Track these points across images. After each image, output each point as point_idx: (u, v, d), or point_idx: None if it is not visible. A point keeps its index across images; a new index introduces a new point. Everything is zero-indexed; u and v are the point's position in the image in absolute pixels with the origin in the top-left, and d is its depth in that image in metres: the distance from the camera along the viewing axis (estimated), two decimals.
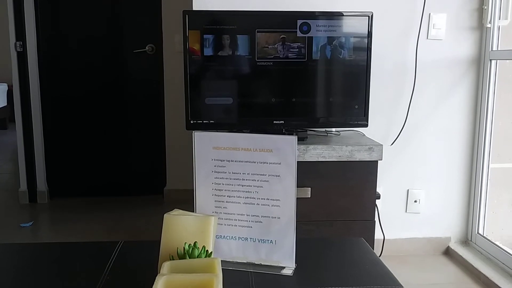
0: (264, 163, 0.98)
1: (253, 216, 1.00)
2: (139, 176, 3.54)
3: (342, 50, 1.99)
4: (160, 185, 3.46)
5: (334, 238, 1.64)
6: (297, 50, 1.96)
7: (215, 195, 1.01)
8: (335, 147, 1.90)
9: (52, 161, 3.45)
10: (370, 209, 1.98)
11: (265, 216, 0.99)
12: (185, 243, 0.85)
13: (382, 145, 1.94)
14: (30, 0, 3.23)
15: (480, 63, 2.41)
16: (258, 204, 0.99)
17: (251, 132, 1.92)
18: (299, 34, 1.95)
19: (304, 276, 0.97)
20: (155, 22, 3.33)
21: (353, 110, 2.03)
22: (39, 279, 0.97)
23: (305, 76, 2.01)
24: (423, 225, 2.50)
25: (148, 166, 3.53)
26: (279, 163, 0.97)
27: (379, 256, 1.10)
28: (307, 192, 1.92)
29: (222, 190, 1.00)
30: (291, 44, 1.96)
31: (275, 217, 0.99)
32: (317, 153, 1.90)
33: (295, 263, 1.00)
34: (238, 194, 1.00)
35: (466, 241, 2.53)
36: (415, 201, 2.48)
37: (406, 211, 2.49)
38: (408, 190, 2.47)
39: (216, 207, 1.01)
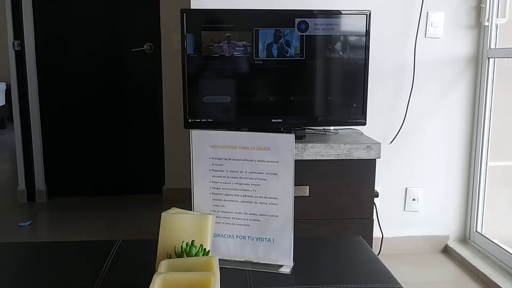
0: (261, 161, 0.98)
1: (251, 214, 1.00)
2: (137, 175, 3.54)
3: (340, 49, 1.99)
4: (159, 184, 3.46)
5: (332, 237, 1.64)
6: (296, 48, 1.96)
7: (212, 193, 1.01)
8: (333, 146, 1.90)
9: (51, 160, 3.45)
10: (368, 207, 1.98)
11: (262, 215, 0.99)
12: (183, 241, 0.85)
13: (380, 143, 1.94)
14: None
15: (478, 61, 2.41)
16: (255, 202, 0.99)
17: (249, 130, 1.92)
18: (297, 32, 1.95)
19: (302, 274, 0.97)
20: (153, 21, 3.32)
21: (351, 109, 2.03)
22: (37, 278, 0.97)
23: (303, 75, 2.01)
24: (421, 223, 2.51)
25: (146, 165, 3.53)
26: (277, 162, 0.97)
27: (378, 255, 1.10)
28: (305, 191, 1.92)
29: (219, 188, 1.00)
30: (291, 42, 1.96)
31: (273, 216, 0.99)
32: (315, 151, 1.90)
33: (293, 261, 1.00)
34: (236, 192, 1.00)
35: (464, 239, 2.54)
36: (414, 200, 2.48)
37: (404, 210, 2.50)
38: (406, 189, 2.48)
39: (214, 205, 1.01)
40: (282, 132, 1.98)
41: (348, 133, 2.15)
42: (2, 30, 3.42)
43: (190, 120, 1.98)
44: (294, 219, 0.99)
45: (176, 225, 0.89)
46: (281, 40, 1.96)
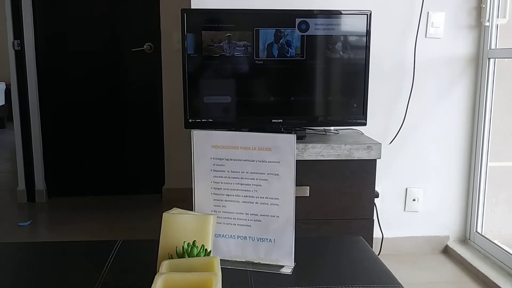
0: (263, 161, 0.97)
1: (252, 215, 1.00)
2: (137, 175, 3.53)
3: (340, 49, 1.99)
4: (159, 184, 3.46)
5: (332, 237, 1.64)
6: (296, 49, 1.96)
7: (214, 194, 1.01)
8: (334, 146, 1.90)
9: (50, 160, 3.44)
10: (368, 207, 1.98)
11: (264, 215, 0.99)
12: (184, 242, 0.85)
13: (380, 143, 1.94)
14: None
15: (478, 61, 2.41)
16: (257, 203, 0.99)
17: (249, 130, 1.92)
18: (297, 32, 1.95)
19: (303, 274, 0.97)
20: (153, 20, 3.32)
21: (351, 109, 2.03)
22: (37, 278, 0.97)
23: (304, 75, 2.01)
24: (421, 223, 2.51)
25: (146, 165, 3.52)
26: (278, 162, 0.97)
27: (378, 255, 1.10)
28: (306, 191, 1.92)
29: (221, 189, 1.00)
30: (291, 42, 1.96)
31: (274, 216, 0.99)
32: (315, 151, 1.90)
33: (294, 261, 1.00)
34: (237, 193, 0.99)
35: (464, 240, 2.54)
36: (414, 200, 2.48)
37: (404, 210, 2.50)
38: (406, 189, 2.48)
39: (215, 206, 1.01)
40: (282, 132, 1.98)
41: (349, 133, 2.15)
42: (2, 30, 3.42)
43: (190, 120, 1.98)
44: (295, 220, 0.99)
45: (177, 226, 0.89)
46: (282, 40, 1.96)
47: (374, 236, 2.04)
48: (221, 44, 1.95)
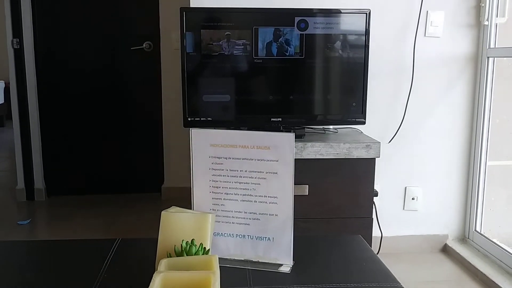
0: (261, 160, 0.97)
1: (250, 213, 1.00)
2: (137, 173, 3.53)
3: (339, 48, 1.99)
4: (158, 182, 3.46)
5: (331, 235, 1.64)
6: (295, 47, 1.96)
7: (212, 192, 1.01)
8: (333, 145, 1.90)
9: (50, 159, 3.44)
10: (367, 206, 1.98)
11: (262, 214, 0.99)
12: (183, 240, 0.85)
13: (379, 142, 1.94)
14: None
15: (477, 60, 2.41)
16: (255, 201, 0.99)
17: (248, 129, 1.92)
18: (296, 31, 1.95)
19: (302, 273, 0.97)
20: (152, 19, 3.32)
21: (350, 108, 2.03)
22: (36, 277, 0.97)
23: (303, 74, 2.01)
24: (420, 222, 2.51)
25: (146, 164, 3.52)
26: (277, 160, 0.97)
27: (377, 254, 1.10)
28: (305, 190, 1.92)
29: (219, 187, 1.00)
30: (290, 41, 1.96)
31: (273, 215, 0.99)
32: (314, 150, 1.90)
33: (293, 260, 1.00)
34: (236, 191, 0.99)
35: (463, 239, 2.54)
36: (413, 199, 2.48)
37: (403, 209, 2.50)
38: (405, 188, 2.48)
39: (214, 204, 1.01)
40: (281, 131, 1.98)
41: (348, 132, 2.15)
42: (1, 28, 3.41)
43: (189, 119, 1.98)
44: (293, 218, 0.99)
45: (176, 224, 0.89)
46: (281, 38, 1.96)
47: (373, 234, 2.04)
48: (220, 43, 1.95)
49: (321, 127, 2.16)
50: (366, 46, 1.98)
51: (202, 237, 0.88)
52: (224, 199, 1.00)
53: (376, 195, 2.10)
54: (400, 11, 2.33)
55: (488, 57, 2.35)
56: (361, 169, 1.94)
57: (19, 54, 3.26)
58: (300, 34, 1.96)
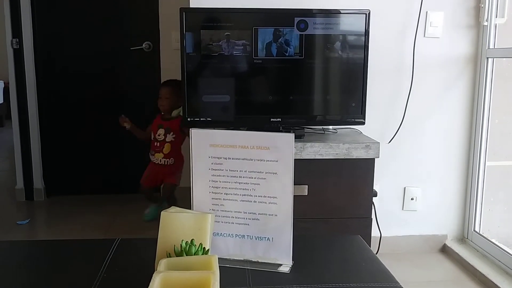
0: (261, 160, 0.98)
1: (250, 213, 1.00)
2: (137, 173, 3.52)
3: (339, 48, 1.99)
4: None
5: (331, 236, 1.64)
6: (295, 48, 1.96)
7: (212, 192, 1.01)
8: (332, 145, 1.90)
9: (49, 159, 3.44)
10: (367, 206, 1.99)
11: (262, 214, 0.99)
12: (182, 240, 0.85)
13: (379, 142, 1.94)
14: None
15: (477, 61, 2.41)
16: (255, 201, 0.99)
17: (248, 129, 1.92)
18: (296, 31, 1.95)
19: (301, 273, 0.97)
20: (152, 19, 3.32)
21: (350, 108, 2.03)
22: (35, 277, 0.97)
23: (303, 74, 2.01)
24: (419, 222, 2.51)
25: (146, 164, 3.52)
26: (276, 161, 0.97)
27: (376, 254, 1.10)
28: (304, 190, 1.92)
29: (219, 187, 1.00)
30: (290, 41, 1.96)
31: (272, 215, 0.99)
32: (314, 150, 1.90)
33: (292, 260, 1.00)
34: (235, 191, 1.00)
35: (462, 239, 2.54)
36: (412, 199, 2.48)
37: (403, 209, 2.50)
38: (405, 188, 2.48)
39: (213, 204, 1.01)
40: (281, 131, 1.98)
41: (347, 133, 2.15)
42: (0, 28, 3.41)
43: (189, 119, 1.98)
44: (293, 218, 0.99)
45: (175, 224, 0.89)
46: (280, 39, 1.96)
47: (372, 235, 2.04)
48: (220, 43, 1.95)
49: (321, 127, 2.16)
50: (365, 47, 1.99)
51: (202, 237, 0.88)
52: (223, 199, 1.00)
53: (376, 195, 2.10)
54: (400, 11, 2.33)
55: (487, 58, 2.36)
56: (361, 170, 1.94)
57: (18, 54, 3.26)
58: (300, 34, 1.96)
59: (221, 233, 1.02)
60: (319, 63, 2.01)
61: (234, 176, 0.99)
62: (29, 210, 3.27)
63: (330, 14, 1.99)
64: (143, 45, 3.39)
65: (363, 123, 2.04)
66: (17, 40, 3.24)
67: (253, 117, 2.03)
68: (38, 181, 3.41)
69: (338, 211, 1.97)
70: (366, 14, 1.97)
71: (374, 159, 1.94)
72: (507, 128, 2.54)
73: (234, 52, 1.96)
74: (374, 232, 2.14)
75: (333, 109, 2.06)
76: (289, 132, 1.87)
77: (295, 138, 0.98)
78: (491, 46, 2.35)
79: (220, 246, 1.01)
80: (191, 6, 2.19)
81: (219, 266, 0.80)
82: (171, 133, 2.89)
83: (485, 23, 2.35)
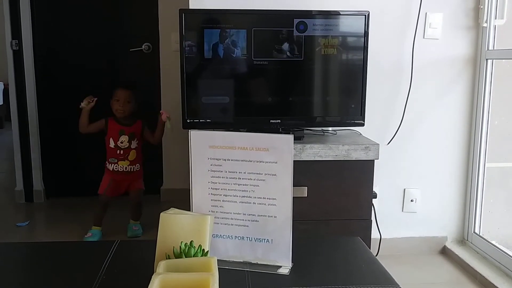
0: (260, 162, 0.97)
1: (249, 215, 1.00)
2: None
3: (338, 49, 1.99)
4: (157, 184, 3.45)
5: (330, 237, 1.64)
6: (294, 49, 1.96)
7: (211, 194, 1.01)
8: (332, 146, 1.90)
9: (48, 160, 3.44)
10: (366, 208, 1.98)
11: (261, 215, 0.99)
12: (182, 242, 0.85)
13: (378, 144, 1.94)
14: None
15: (476, 62, 2.41)
16: (254, 203, 0.99)
17: (248, 131, 1.92)
18: (295, 33, 1.95)
19: (301, 275, 0.97)
20: (151, 21, 3.32)
21: (349, 109, 2.03)
22: (35, 279, 0.97)
23: (302, 75, 2.01)
24: (419, 224, 2.51)
25: (145, 165, 3.51)
26: (276, 162, 0.97)
27: (376, 255, 1.10)
28: (304, 191, 1.92)
29: (218, 189, 1.00)
30: (287, 43, 1.96)
31: (272, 216, 0.99)
32: (313, 152, 1.90)
33: (292, 262, 1.00)
34: (235, 193, 0.99)
35: (462, 241, 2.54)
36: (412, 201, 2.48)
37: (402, 210, 2.50)
38: (404, 189, 2.48)
39: (213, 206, 1.01)
40: (280, 132, 1.98)
41: (347, 134, 2.15)
42: (0, 30, 3.41)
43: (188, 121, 1.98)
44: (292, 220, 0.99)
45: (174, 226, 0.89)
46: (280, 40, 1.96)
47: (372, 236, 2.04)
48: (219, 45, 1.95)
49: (320, 129, 2.16)
50: (365, 48, 1.99)
51: (201, 239, 0.88)
52: (223, 200, 1.00)
53: (375, 197, 2.10)
54: (399, 13, 2.34)
55: (486, 59, 2.36)
56: (360, 171, 1.94)
57: (18, 56, 3.26)
58: (299, 36, 1.96)
59: (220, 235, 1.01)
60: (318, 65, 2.01)
61: (233, 178, 0.99)
62: (29, 212, 3.27)
63: (330, 15, 1.99)
64: (143, 46, 3.39)
65: (363, 125, 2.04)
66: (17, 42, 3.24)
67: (253, 118, 2.02)
68: (37, 183, 3.41)
69: (337, 213, 1.96)
70: (365, 15, 1.97)
71: (373, 160, 1.94)
72: (507, 129, 2.54)
73: (234, 54, 1.96)
74: (374, 234, 2.14)
75: (332, 110, 2.06)
76: (289, 133, 1.87)
77: (294, 139, 0.98)
78: (491, 48, 2.35)
79: (220, 248, 1.01)
80: (190, 7, 2.19)
81: (219, 268, 0.80)
82: (135, 139, 2.77)
83: (485, 25, 2.35)
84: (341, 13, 1.99)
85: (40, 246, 1.23)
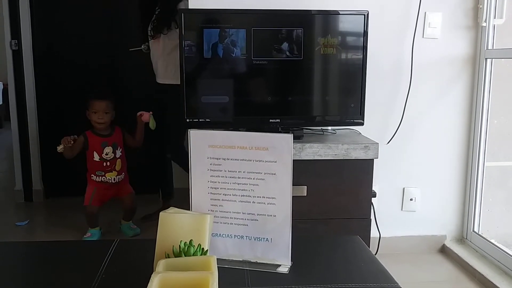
0: (260, 161, 0.98)
1: (249, 214, 1.00)
2: (135, 174, 3.52)
3: (338, 49, 1.99)
4: (156, 183, 3.45)
5: (330, 236, 1.64)
6: (291, 49, 1.96)
7: (211, 193, 1.01)
8: (331, 146, 1.91)
9: (48, 160, 3.43)
10: (366, 207, 1.99)
11: (261, 214, 0.99)
12: (181, 241, 0.85)
13: (378, 143, 1.94)
14: None
15: (475, 61, 2.41)
16: (254, 202, 0.99)
17: (247, 130, 1.92)
18: (295, 32, 1.95)
19: (300, 274, 0.97)
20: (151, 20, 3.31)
21: (349, 109, 2.03)
22: (34, 278, 0.97)
23: (301, 75, 2.01)
24: (419, 223, 2.51)
25: (146, 164, 3.51)
26: (275, 161, 0.97)
27: (375, 254, 1.10)
28: (303, 191, 1.92)
29: (218, 188, 1.00)
30: (286, 42, 1.96)
31: (271, 215, 0.99)
32: (313, 151, 1.90)
33: (291, 261, 1.00)
34: (234, 192, 1.00)
35: (461, 239, 2.54)
36: (411, 199, 2.49)
37: (402, 209, 2.50)
38: (404, 189, 2.48)
39: (212, 205, 1.01)
40: (280, 132, 1.98)
41: (346, 133, 2.15)
42: None
43: (188, 120, 1.98)
44: (292, 219, 0.99)
45: (174, 225, 0.89)
46: (279, 40, 1.96)
47: (371, 235, 2.04)
48: (219, 44, 1.95)
49: (320, 128, 2.16)
50: (364, 47, 1.99)
51: (200, 238, 0.88)
52: (222, 200, 1.00)
53: (375, 196, 2.10)
54: (398, 12, 2.34)
55: (486, 59, 2.36)
56: (360, 170, 1.94)
57: (17, 55, 3.26)
58: (299, 35, 1.96)
59: (220, 234, 1.02)
60: (317, 64, 2.01)
61: (233, 177, 0.99)
62: (28, 211, 3.27)
63: (329, 15, 1.99)
64: (142, 46, 3.38)
65: (362, 124, 2.04)
66: (16, 42, 3.24)
67: (252, 118, 2.03)
68: (37, 182, 3.41)
69: (337, 212, 1.97)
70: (364, 15, 1.97)
71: (373, 159, 1.94)
72: (506, 128, 2.54)
73: (233, 53, 1.96)
74: (373, 233, 2.14)
75: (332, 110, 2.06)
76: (288, 133, 1.87)
77: (294, 139, 0.98)
78: (490, 47, 2.35)
79: (219, 247, 1.01)
80: (190, 7, 2.19)
81: (218, 266, 0.80)
82: (119, 148, 2.75)
83: (484, 24, 2.35)
84: (341, 12, 1.99)
85: (39, 245, 1.24)
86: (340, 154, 1.91)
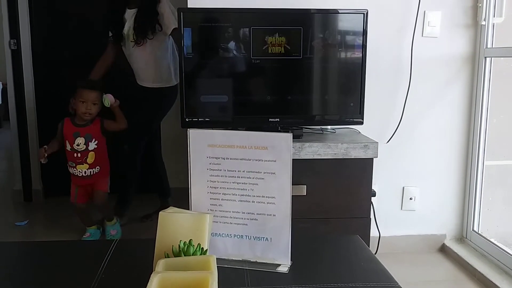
0: (259, 160, 0.97)
1: (248, 213, 1.00)
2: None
3: (337, 48, 1.99)
4: (156, 183, 3.44)
5: (329, 236, 1.64)
6: (293, 48, 1.96)
7: (210, 192, 1.01)
8: (331, 145, 1.90)
9: (47, 160, 3.43)
10: (365, 206, 1.98)
11: (260, 214, 0.99)
12: (180, 241, 0.85)
13: (377, 142, 1.94)
14: None
15: (475, 60, 2.41)
16: (253, 201, 0.99)
17: (246, 129, 1.92)
18: (294, 31, 1.95)
19: (300, 273, 0.97)
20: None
21: (348, 108, 2.03)
22: (33, 278, 0.97)
23: (301, 74, 2.01)
24: (418, 222, 2.51)
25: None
26: (274, 161, 0.97)
27: (375, 254, 1.10)
28: (303, 190, 1.92)
29: (217, 187, 1.00)
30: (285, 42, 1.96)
31: (271, 215, 0.99)
32: (312, 150, 1.90)
33: (291, 260, 1.00)
34: (233, 191, 0.99)
35: (461, 238, 2.54)
36: (411, 199, 2.49)
37: (401, 209, 2.50)
38: (403, 188, 2.48)
39: (212, 204, 1.01)
40: (279, 131, 1.98)
41: (346, 132, 2.15)
42: None
43: (187, 119, 1.98)
44: (291, 218, 0.99)
45: (173, 224, 0.89)
46: (278, 39, 1.95)
47: (371, 234, 2.04)
48: (218, 43, 1.95)
49: (319, 127, 2.16)
50: (363, 46, 1.99)
51: (200, 238, 0.88)
52: (222, 199, 1.00)
53: (374, 195, 2.10)
54: (398, 11, 2.33)
55: (485, 57, 2.36)
56: (359, 169, 1.94)
57: (16, 55, 3.26)
58: (298, 34, 1.96)
59: (219, 233, 1.02)
60: (317, 63, 2.01)
61: (232, 176, 0.99)
62: (28, 211, 3.26)
63: (328, 13, 1.99)
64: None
65: (362, 123, 2.04)
66: (15, 41, 3.23)
67: (251, 117, 2.02)
68: (36, 182, 3.40)
69: (336, 211, 1.97)
70: (364, 13, 1.97)
71: (372, 159, 1.94)
72: (506, 127, 2.54)
73: (232, 52, 1.96)
74: (373, 232, 2.14)
75: (331, 109, 2.06)
76: (287, 132, 1.87)
77: (293, 138, 0.98)
78: (489, 46, 2.35)
79: (219, 246, 1.01)
80: (189, 6, 2.19)
81: (218, 266, 0.80)
82: (93, 140, 2.59)
83: (483, 23, 2.35)
84: (340, 11, 1.99)
85: (39, 245, 1.23)
86: (339, 153, 1.91)
